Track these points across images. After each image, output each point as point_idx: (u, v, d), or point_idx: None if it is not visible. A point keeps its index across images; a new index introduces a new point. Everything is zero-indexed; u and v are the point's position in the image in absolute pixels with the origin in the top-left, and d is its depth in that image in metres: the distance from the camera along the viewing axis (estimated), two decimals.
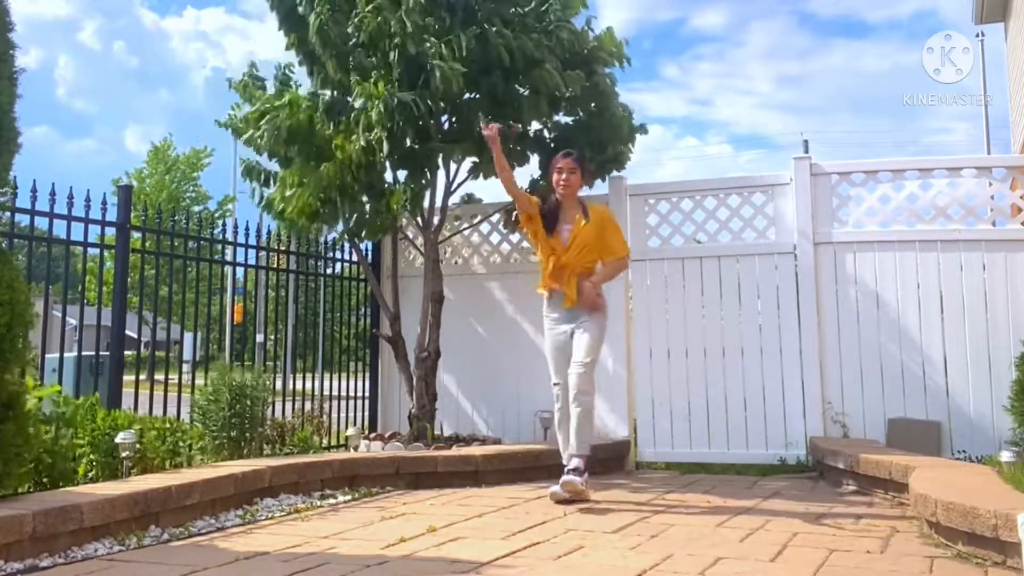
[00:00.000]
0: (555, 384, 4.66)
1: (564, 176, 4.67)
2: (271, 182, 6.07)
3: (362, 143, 5.28)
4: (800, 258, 6.03)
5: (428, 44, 5.23)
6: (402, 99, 5.17)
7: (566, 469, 4.49)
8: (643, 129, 6.21)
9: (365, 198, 5.95)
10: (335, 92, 5.75)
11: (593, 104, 5.95)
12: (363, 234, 6.26)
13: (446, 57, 5.12)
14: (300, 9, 5.68)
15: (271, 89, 6.11)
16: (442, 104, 5.49)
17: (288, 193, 5.74)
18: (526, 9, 5.69)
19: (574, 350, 4.51)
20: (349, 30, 5.46)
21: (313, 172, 5.56)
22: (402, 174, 5.91)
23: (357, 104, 5.32)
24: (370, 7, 5.24)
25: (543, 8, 5.67)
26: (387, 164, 5.77)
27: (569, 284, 4.57)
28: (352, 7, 5.45)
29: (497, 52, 5.36)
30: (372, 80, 5.26)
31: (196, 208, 20.35)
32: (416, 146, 5.60)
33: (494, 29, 5.41)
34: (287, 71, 6.15)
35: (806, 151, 25.79)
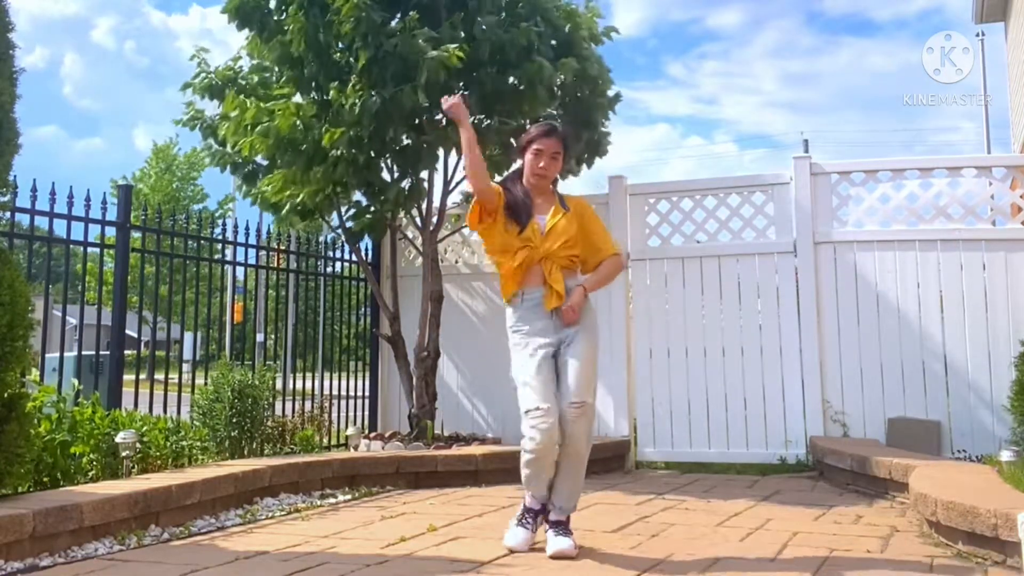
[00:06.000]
0: (528, 412, 3.28)
1: (544, 163, 3.52)
2: (258, 177, 6.04)
3: (349, 139, 5.24)
4: (800, 257, 6.03)
5: (414, 38, 5.16)
6: (384, 96, 5.12)
7: (551, 523, 3.35)
8: (618, 98, 6.10)
9: (361, 196, 5.92)
10: (321, 94, 5.75)
11: (587, 88, 5.90)
12: (361, 233, 6.26)
13: (431, 51, 5.03)
14: (276, 17, 5.66)
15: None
16: (426, 103, 5.38)
17: (284, 192, 5.72)
18: None
19: (566, 381, 3.33)
20: (327, 38, 5.44)
21: (305, 172, 5.53)
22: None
23: (344, 103, 5.30)
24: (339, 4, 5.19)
25: None
26: (382, 163, 5.77)
27: (553, 278, 3.41)
28: (325, 12, 5.39)
29: (487, 46, 5.31)
30: (355, 80, 5.22)
31: (195, 207, 20.34)
32: (409, 142, 5.57)
33: (483, 26, 5.38)
34: (258, 71, 6.11)
35: (806, 150, 25.83)
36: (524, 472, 3.35)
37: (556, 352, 3.39)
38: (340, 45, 5.48)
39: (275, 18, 5.68)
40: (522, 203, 3.51)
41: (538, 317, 3.42)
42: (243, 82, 6.08)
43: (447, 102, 3.53)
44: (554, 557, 3.18)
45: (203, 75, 6.02)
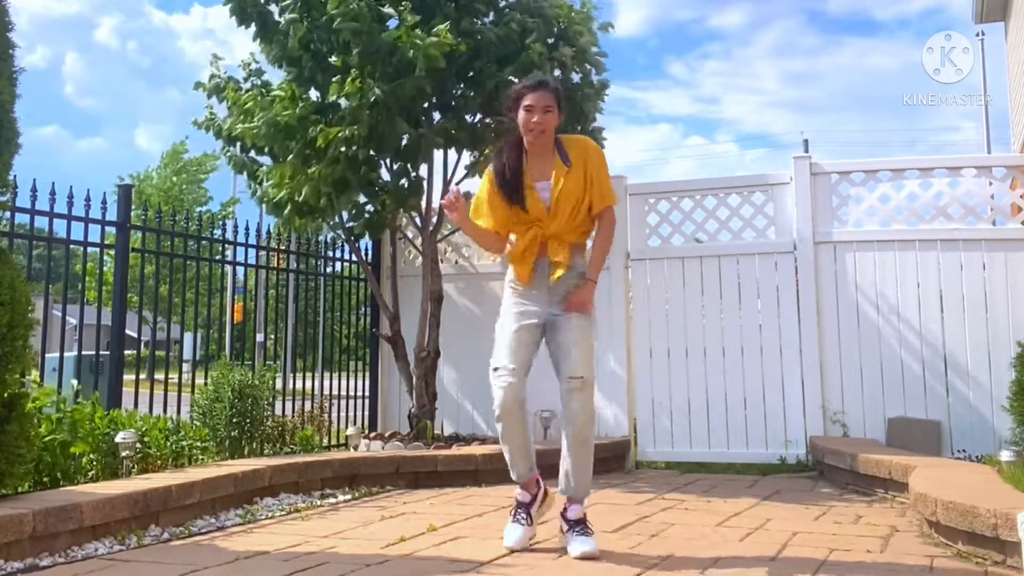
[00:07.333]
0: (495, 369, 3.42)
1: (537, 117, 3.31)
2: (263, 179, 6.05)
3: (346, 136, 5.23)
4: (800, 257, 6.03)
5: (408, 34, 5.14)
6: (380, 91, 5.12)
7: (569, 522, 3.27)
8: (605, 84, 6.00)
9: (361, 195, 5.93)
10: (321, 95, 5.74)
11: (578, 77, 5.89)
12: (361, 232, 6.26)
13: (424, 40, 5.01)
14: (277, 17, 5.67)
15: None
16: (428, 91, 5.32)
17: (283, 188, 5.72)
18: None
19: (564, 357, 3.32)
20: (321, 39, 5.44)
21: (305, 169, 5.53)
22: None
23: (341, 102, 5.30)
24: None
25: None
26: (381, 161, 5.76)
27: (553, 250, 3.35)
28: (320, 11, 5.39)
29: (483, 38, 5.30)
30: (352, 77, 5.21)
31: (199, 209, 20.34)
32: (405, 138, 5.58)
33: (477, 23, 5.36)
34: (257, 75, 6.14)
35: (806, 150, 25.83)
36: (497, 429, 3.49)
37: (544, 326, 3.39)
38: (336, 45, 5.48)
39: (275, 18, 5.70)
40: (511, 178, 3.37)
41: (535, 286, 3.39)
42: (248, 83, 6.08)
43: (447, 199, 3.40)
44: (580, 558, 3.12)
45: (215, 77, 6.03)
